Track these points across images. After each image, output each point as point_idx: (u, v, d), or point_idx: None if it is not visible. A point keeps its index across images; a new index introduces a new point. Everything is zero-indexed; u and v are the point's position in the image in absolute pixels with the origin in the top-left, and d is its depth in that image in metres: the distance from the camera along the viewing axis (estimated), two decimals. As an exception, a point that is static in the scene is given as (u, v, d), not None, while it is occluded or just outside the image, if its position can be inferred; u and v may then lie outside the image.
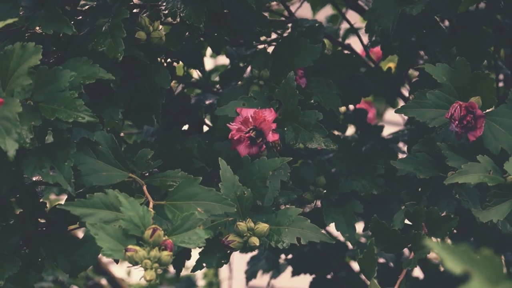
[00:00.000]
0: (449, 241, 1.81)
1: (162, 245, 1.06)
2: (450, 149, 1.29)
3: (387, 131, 1.99)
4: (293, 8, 1.85)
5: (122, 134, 1.89)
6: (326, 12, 2.35)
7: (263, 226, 1.21)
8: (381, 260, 2.11)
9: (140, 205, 1.10)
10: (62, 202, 1.27)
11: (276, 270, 2.15)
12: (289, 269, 2.05)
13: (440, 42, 1.47)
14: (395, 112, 1.34)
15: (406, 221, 1.33)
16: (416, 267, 1.26)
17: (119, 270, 2.84)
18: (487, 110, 1.30)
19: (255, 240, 1.20)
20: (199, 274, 2.99)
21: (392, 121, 2.48)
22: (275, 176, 1.31)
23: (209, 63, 2.19)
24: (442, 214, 1.30)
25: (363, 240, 2.28)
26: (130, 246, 1.05)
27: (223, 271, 3.17)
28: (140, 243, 1.07)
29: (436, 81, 1.31)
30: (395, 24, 1.40)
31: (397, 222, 1.33)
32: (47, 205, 1.38)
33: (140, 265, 1.05)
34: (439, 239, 1.60)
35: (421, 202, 1.34)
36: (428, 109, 1.30)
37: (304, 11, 2.09)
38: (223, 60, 1.80)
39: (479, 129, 1.26)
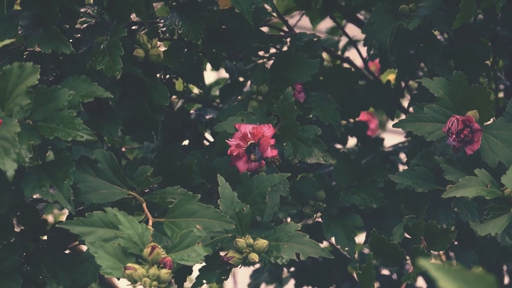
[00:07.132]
0: (451, 253, 1.81)
1: (161, 262, 1.07)
2: (448, 162, 1.29)
3: (390, 141, 1.99)
4: (292, 21, 1.85)
5: (123, 149, 1.89)
6: (327, 23, 2.35)
7: (262, 242, 1.21)
8: (385, 272, 2.11)
9: (139, 223, 1.11)
10: (65, 217, 1.28)
11: (279, 283, 2.14)
12: (292, 282, 2.05)
13: (437, 55, 1.48)
14: (393, 126, 1.35)
15: (406, 235, 1.33)
16: (415, 281, 1.26)
17: (123, 282, 2.84)
18: (485, 124, 1.30)
19: (254, 256, 1.20)
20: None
21: (396, 131, 2.47)
22: (274, 191, 1.31)
23: (211, 76, 2.19)
24: (443, 227, 1.30)
25: (366, 251, 2.28)
26: (129, 264, 1.05)
27: (228, 283, 3.17)
28: (139, 261, 1.07)
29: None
30: (392, 39, 1.40)
31: (396, 236, 1.33)
32: (51, 220, 1.39)
33: (139, 283, 1.05)
34: (440, 252, 1.60)
35: (420, 215, 1.34)
36: (426, 123, 1.30)
37: (306, 22, 2.09)
38: (225, 73, 1.80)
39: (476, 142, 1.26)
